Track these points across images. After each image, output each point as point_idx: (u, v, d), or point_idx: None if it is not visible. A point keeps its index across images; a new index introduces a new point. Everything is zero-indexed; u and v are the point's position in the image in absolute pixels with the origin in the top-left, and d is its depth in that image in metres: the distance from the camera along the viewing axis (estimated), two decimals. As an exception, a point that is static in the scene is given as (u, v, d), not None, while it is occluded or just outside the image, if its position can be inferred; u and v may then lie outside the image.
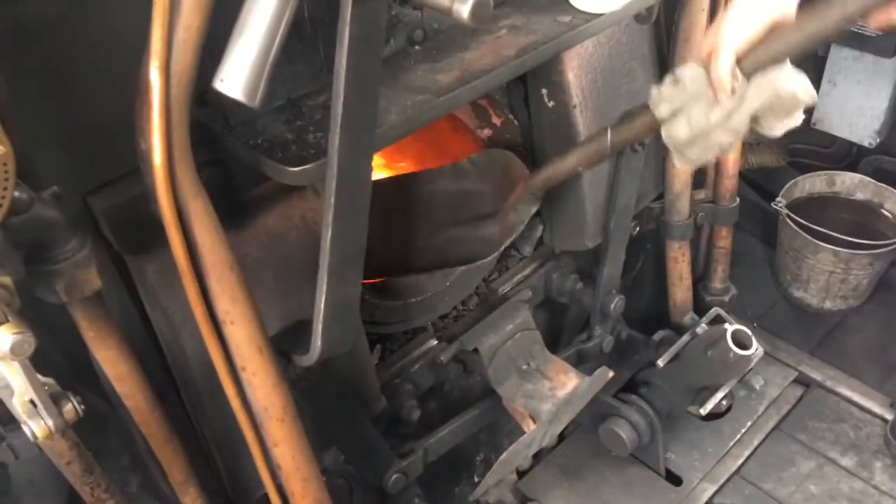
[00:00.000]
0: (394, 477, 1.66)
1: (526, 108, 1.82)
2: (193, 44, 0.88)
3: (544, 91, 1.73)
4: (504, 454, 1.74)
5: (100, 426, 1.32)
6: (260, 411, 1.17)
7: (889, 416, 2.22)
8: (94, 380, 1.20)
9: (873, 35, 2.20)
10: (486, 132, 1.91)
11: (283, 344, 1.29)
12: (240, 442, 1.24)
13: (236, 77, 0.83)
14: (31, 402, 0.89)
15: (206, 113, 1.18)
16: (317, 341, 1.16)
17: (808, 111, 2.52)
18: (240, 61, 0.83)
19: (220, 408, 1.23)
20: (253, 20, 0.82)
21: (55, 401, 0.92)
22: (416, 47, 1.40)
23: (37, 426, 0.91)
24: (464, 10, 0.82)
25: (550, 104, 1.74)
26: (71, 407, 0.94)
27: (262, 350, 1.11)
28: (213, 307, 1.05)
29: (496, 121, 1.86)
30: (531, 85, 1.76)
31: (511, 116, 1.84)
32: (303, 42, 1.24)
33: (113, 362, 1.08)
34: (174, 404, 1.35)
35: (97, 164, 1.13)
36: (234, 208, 1.26)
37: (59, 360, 1.19)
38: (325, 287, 1.11)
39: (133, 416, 1.15)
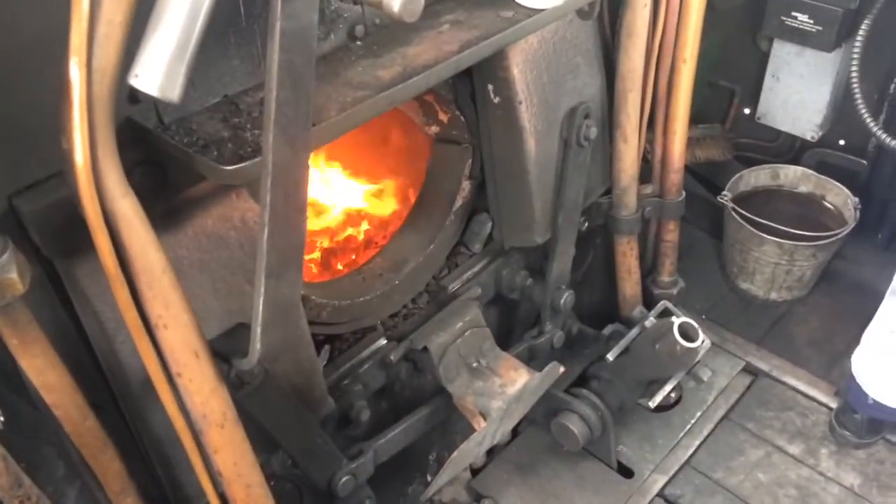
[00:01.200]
0: (343, 479, 1.64)
1: (472, 104, 1.81)
2: (116, 39, 0.85)
3: (490, 87, 1.72)
4: (455, 452, 1.73)
5: (32, 436, 1.27)
6: (198, 418, 1.14)
7: (833, 405, 2.27)
8: (24, 388, 1.16)
9: (814, 30, 2.25)
10: (434, 129, 1.90)
11: (225, 347, 1.25)
12: (179, 449, 1.20)
13: (152, 72, 0.80)
14: (-52, 414, 0.85)
15: (138, 111, 1.14)
16: (255, 344, 1.13)
17: (753, 105, 2.58)
18: (155, 56, 0.80)
19: (157, 415, 1.20)
20: (168, 12, 0.79)
21: (-27, 413, 0.88)
22: (358, 43, 1.37)
23: (-45, 440, 0.87)
24: (394, 5, 0.81)
25: (496, 100, 1.73)
26: (-10, 419, 0.90)
27: (199, 354, 1.08)
28: (145, 312, 1.02)
29: (443, 117, 1.85)
30: (477, 81, 1.75)
31: (458, 113, 1.82)
32: (238, 36, 1.21)
33: (39, 370, 1.03)
34: (111, 412, 1.31)
35: (24, 165, 1.09)
36: (169, 209, 1.22)
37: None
38: (262, 288, 1.08)
39: (64, 425, 1.11)
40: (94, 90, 0.86)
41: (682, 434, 2.25)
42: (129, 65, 0.88)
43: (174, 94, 0.82)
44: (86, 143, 0.87)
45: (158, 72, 0.80)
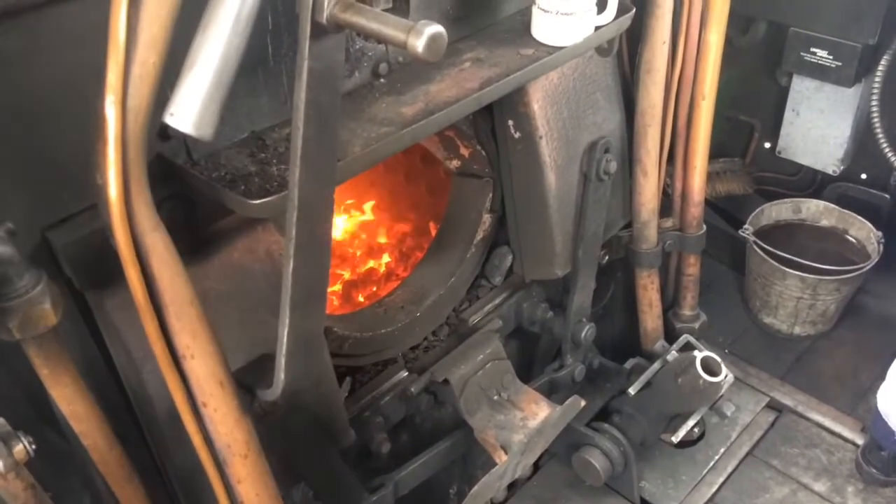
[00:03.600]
0: (364, 512, 1.64)
1: (493, 140, 1.83)
2: (150, 79, 0.88)
3: (511, 122, 1.75)
4: (476, 486, 1.72)
5: (60, 466, 1.29)
6: (223, 447, 1.15)
7: (860, 441, 2.23)
8: (52, 418, 1.18)
9: (833, 66, 2.26)
10: (455, 163, 1.93)
11: (248, 378, 1.27)
12: (203, 480, 1.21)
13: (187, 111, 0.83)
14: (-19, 442, 0.87)
15: (168, 147, 1.17)
16: (280, 375, 1.15)
17: (774, 139, 2.58)
18: (190, 96, 0.83)
19: (182, 445, 1.21)
20: (203, 54, 0.82)
21: (5, 441, 0.90)
22: (381, 80, 1.41)
23: (-13, 467, 0.89)
24: (419, 45, 0.83)
25: (517, 135, 1.76)
26: (22, 447, 0.92)
27: (224, 384, 1.09)
28: (172, 342, 1.04)
29: (464, 152, 1.87)
30: (497, 116, 1.78)
31: (479, 147, 1.85)
32: (266, 75, 1.25)
33: (69, 400, 1.05)
34: (137, 442, 1.33)
35: (57, 199, 1.12)
36: (197, 242, 1.25)
37: (15, 397, 1.16)
38: (286, 320, 1.10)
39: (91, 454, 1.13)
40: (128, 128, 0.89)
41: (705, 470, 2.22)
42: (161, 103, 0.91)
43: (208, 132, 0.85)
44: (119, 179, 0.90)
45: (194, 111, 0.83)
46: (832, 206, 2.61)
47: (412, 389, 1.78)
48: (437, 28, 0.85)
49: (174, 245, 1.02)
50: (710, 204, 2.65)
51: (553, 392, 2.10)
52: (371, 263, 2.26)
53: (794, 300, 2.47)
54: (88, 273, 1.15)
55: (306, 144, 0.98)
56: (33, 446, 0.93)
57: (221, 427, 1.12)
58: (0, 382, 1.14)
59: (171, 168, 1.17)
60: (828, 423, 2.32)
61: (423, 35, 0.84)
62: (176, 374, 1.06)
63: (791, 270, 2.41)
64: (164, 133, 1.14)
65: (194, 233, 1.24)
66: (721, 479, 2.20)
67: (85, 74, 0.93)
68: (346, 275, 2.20)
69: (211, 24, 0.83)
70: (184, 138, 1.17)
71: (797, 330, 2.58)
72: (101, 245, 1.02)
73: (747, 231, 2.49)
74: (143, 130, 0.90)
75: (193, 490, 1.36)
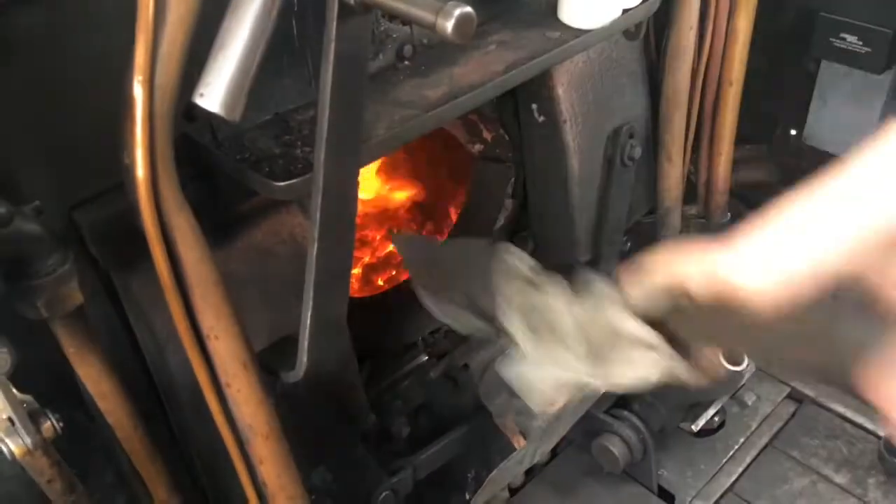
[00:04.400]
0: (383, 495, 1.64)
1: (517, 123, 1.82)
2: (177, 58, 0.88)
3: (534, 106, 1.74)
4: (494, 471, 1.73)
5: (84, 444, 1.31)
6: (245, 428, 1.15)
7: (881, 433, 2.21)
8: (77, 396, 1.19)
9: (863, 52, 2.21)
10: (478, 147, 1.91)
11: (271, 360, 1.27)
12: (225, 460, 1.22)
13: (215, 92, 0.83)
14: (10, 419, 0.88)
15: (194, 128, 1.17)
16: (303, 357, 1.15)
17: (800, 127, 2.54)
18: (219, 76, 0.83)
19: (205, 425, 1.22)
20: (232, 36, 0.82)
21: (33, 418, 0.91)
22: (406, 62, 1.40)
23: (14, 444, 0.90)
24: (448, 26, 0.82)
25: (541, 119, 1.74)
26: (49, 424, 0.93)
27: (247, 366, 1.10)
28: (197, 323, 1.04)
29: (487, 136, 1.86)
30: (521, 100, 1.76)
31: (502, 131, 1.84)
32: (291, 56, 1.24)
33: (95, 379, 1.06)
34: (159, 421, 1.34)
35: (84, 178, 1.13)
36: (220, 223, 1.25)
37: (41, 375, 1.17)
38: (310, 303, 1.10)
39: (116, 433, 1.14)
40: (156, 107, 0.89)
41: (724, 460, 2.21)
42: (187, 84, 0.91)
43: (236, 113, 0.85)
44: (146, 159, 0.90)
45: (222, 91, 0.83)
46: (859, 195, 2.57)
47: (431, 374, 1.78)
48: (467, 9, 0.84)
49: (199, 226, 1.02)
50: (734, 192, 2.61)
51: (572, 379, 2.09)
52: (391, 247, 2.26)
53: (818, 290, 2.44)
54: (114, 252, 1.15)
55: (332, 126, 0.98)
56: (61, 424, 0.94)
57: (245, 407, 1.13)
58: (27, 361, 1.15)
59: (195, 149, 1.17)
60: (849, 414, 2.30)
61: (453, 16, 0.83)
62: (200, 354, 1.07)
63: (815, 260, 2.38)
64: (189, 114, 1.14)
65: (218, 214, 1.24)
66: (740, 469, 2.19)
67: (111, 53, 0.92)
68: (367, 258, 2.20)
69: (241, 5, 0.83)
70: (209, 119, 1.16)
71: (820, 320, 2.55)
72: (126, 225, 1.02)
73: (771, 219, 2.46)
74: (171, 110, 0.90)
75: (216, 469, 1.37)
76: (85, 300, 0.99)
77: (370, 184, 2.30)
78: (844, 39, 2.23)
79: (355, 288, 2.09)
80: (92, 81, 1.04)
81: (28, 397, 0.94)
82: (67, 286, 0.94)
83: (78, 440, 1.29)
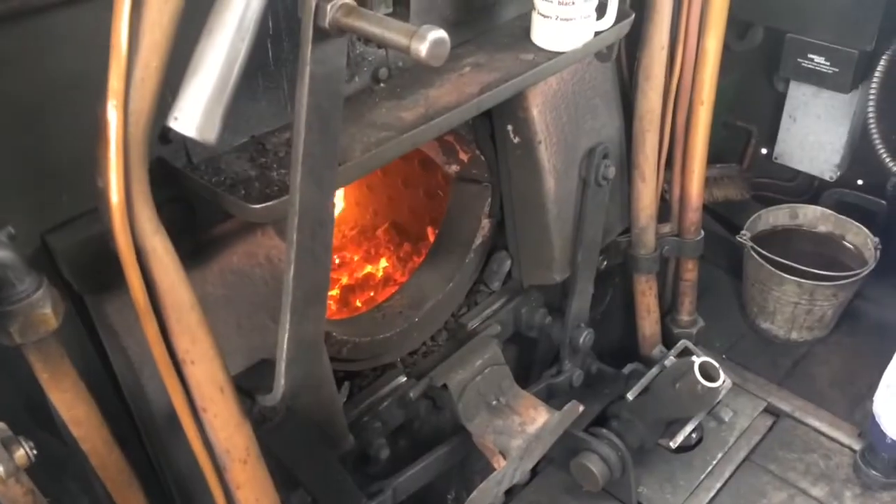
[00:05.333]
0: (363, 517, 1.63)
1: (492, 144, 1.83)
2: (152, 83, 0.88)
3: (510, 127, 1.75)
4: (474, 492, 1.72)
5: (58, 470, 1.28)
6: (222, 453, 1.15)
7: (857, 446, 2.23)
8: (51, 422, 1.17)
9: (830, 72, 2.27)
10: (454, 168, 1.93)
11: (248, 383, 1.27)
12: (202, 485, 1.21)
13: (190, 116, 0.83)
14: (-19, 447, 0.87)
15: (169, 150, 1.17)
16: (280, 380, 1.14)
17: (771, 145, 2.59)
18: (193, 100, 0.83)
19: (181, 450, 1.21)
20: (206, 59, 0.83)
21: (6, 445, 0.90)
22: (381, 85, 1.41)
23: (-13, 472, 0.88)
24: (422, 49, 0.83)
25: (516, 140, 1.76)
26: (23, 452, 0.91)
27: (224, 390, 1.09)
28: (172, 347, 1.03)
29: (463, 157, 1.88)
30: (497, 121, 1.78)
31: (478, 152, 1.85)
32: (267, 79, 1.25)
33: (69, 405, 1.05)
34: (135, 447, 1.32)
35: (56, 203, 1.12)
36: (196, 246, 1.24)
37: (14, 401, 1.16)
38: (287, 325, 1.09)
39: (90, 459, 1.12)
40: (130, 131, 0.89)
41: (703, 475, 2.22)
42: (162, 107, 0.91)
43: (212, 136, 0.85)
44: (121, 182, 0.90)
45: (197, 115, 0.83)
46: (829, 211, 2.61)
47: (411, 395, 1.78)
48: (440, 32, 0.85)
49: (174, 249, 1.02)
50: (708, 209, 2.65)
51: (551, 397, 2.10)
52: (369, 268, 2.26)
53: (792, 305, 2.47)
54: (88, 277, 1.15)
55: (307, 149, 0.98)
56: (34, 451, 0.93)
57: (221, 432, 1.12)
58: (0, 387, 1.14)
59: (171, 172, 1.17)
60: (825, 428, 2.32)
61: (426, 39, 0.84)
62: (176, 378, 1.06)
63: (788, 276, 2.41)
64: (164, 137, 1.14)
65: (194, 237, 1.24)
66: (719, 485, 2.20)
67: (86, 78, 0.93)
68: (345, 279, 2.20)
69: (215, 29, 0.83)
70: (184, 142, 1.17)
71: (794, 335, 2.58)
72: (100, 249, 1.02)
73: (745, 237, 2.50)
74: (145, 134, 0.90)
75: (192, 495, 1.36)
76: (59, 325, 0.98)
77: (348, 205, 2.31)
78: (812, 60, 2.28)
79: (333, 310, 2.08)
80: (66, 105, 1.04)
81: (1, 424, 0.92)
82: (40, 311, 0.93)
83: (52, 467, 1.27)
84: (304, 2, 0.87)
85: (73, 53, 1.02)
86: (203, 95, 0.83)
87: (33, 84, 1.02)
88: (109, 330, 1.20)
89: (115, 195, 0.90)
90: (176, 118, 0.84)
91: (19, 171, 1.06)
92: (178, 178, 1.18)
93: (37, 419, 1.20)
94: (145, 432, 1.32)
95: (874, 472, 2.13)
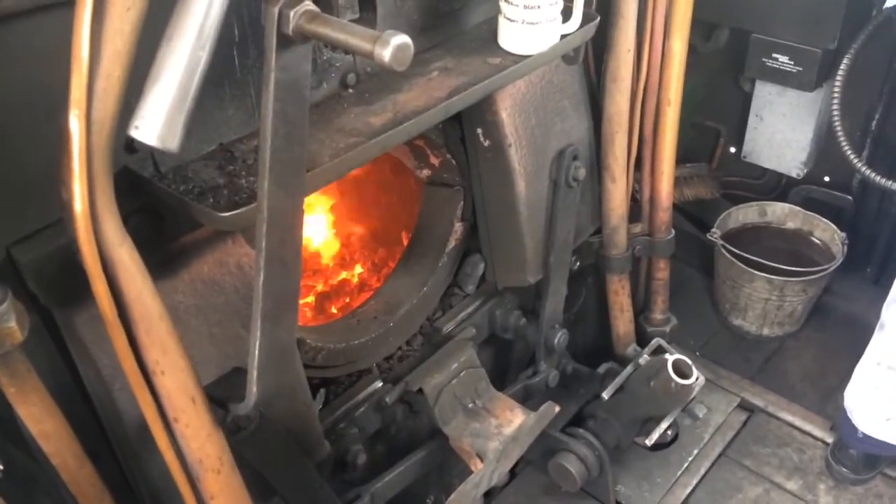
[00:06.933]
0: (341, 524, 1.63)
1: (463, 148, 1.84)
2: (114, 92, 0.87)
3: (479, 131, 1.76)
4: (453, 495, 1.72)
5: (28, 486, 1.27)
6: (195, 463, 1.14)
7: (829, 439, 2.27)
8: (20, 437, 1.16)
9: (795, 71, 2.30)
10: (426, 172, 1.93)
11: (221, 392, 1.26)
12: (176, 496, 1.20)
13: (150, 124, 0.83)
14: (-53, 464, 0.85)
15: (135, 160, 1.16)
16: (252, 388, 1.14)
17: (739, 144, 2.63)
18: (154, 109, 0.83)
19: (154, 462, 1.20)
20: (166, 67, 0.82)
21: (-28, 462, 0.89)
22: (350, 90, 1.41)
23: (-48, 490, 0.87)
24: (385, 54, 0.84)
25: (486, 143, 1.77)
26: (-11, 468, 0.90)
27: (195, 399, 1.08)
28: (142, 358, 1.03)
29: (434, 161, 1.88)
30: (467, 125, 1.79)
31: (449, 156, 1.86)
32: (234, 86, 1.24)
33: (37, 419, 1.04)
34: (107, 460, 1.31)
35: (21, 216, 1.10)
36: (165, 256, 1.24)
37: (-19, 418, 1.14)
38: (258, 333, 1.09)
39: (61, 474, 1.11)
40: (93, 141, 0.89)
41: (679, 472, 2.24)
42: (127, 116, 0.91)
43: (174, 144, 0.85)
44: (85, 193, 0.89)
45: (158, 123, 0.83)
46: (797, 208, 2.65)
47: (387, 400, 1.78)
48: (403, 37, 0.85)
49: (142, 259, 1.01)
50: (678, 208, 2.68)
51: (527, 398, 2.11)
52: (344, 275, 2.25)
53: (763, 302, 2.51)
54: (55, 289, 1.13)
55: (274, 156, 0.98)
56: (1, 467, 0.92)
57: (193, 442, 1.11)
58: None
59: (138, 181, 1.16)
60: (798, 422, 2.36)
61: (390, 44, 0.84)
62: (146, 390, 1.05)
63: (758, 273, 2.45)
64: (130, 146, 1.13)
65: (163, 246, 1.23)
66: (695, 481, 2.22)
67: (49, 88, 0.92)
68: (319, 286, 2.19)
69: (174, 37, 0.83)
70: (151, 151, 1.16)
71: (766, 331, 2.61)
72: (67, 261, 1.01)
73: (715, 235, 2.53)
74: (109, 144, 0.90)
75: (166, 507, 1.34)
76: (24, 338, 0.96)
77: (322, 211, 2.30)
78: (777, 59, 2.32)
79: (309, 317, 2.07)
80: (30, 116, 1.02)
81: (-34, 441, 0.91)
82: (5, 325, 0.92)
83: (22, 483, 1.26)
84: (267, 9, 0.87)
85: (36, 64, 1.01)
86: (164, 104, 0.82)
87: (-3, 95, 1.01)
88: (79, 342, 1.18)
89: (78, 205, 0.89)
90: (137, 127, 0.84)
91: (-18, 183, 1.05)
92: (145, 188, 1.17)
93: (7, 433, 1.18)
94: (117, 445, 1.30)
95: (844, 470, 2.16)
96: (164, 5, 0.87)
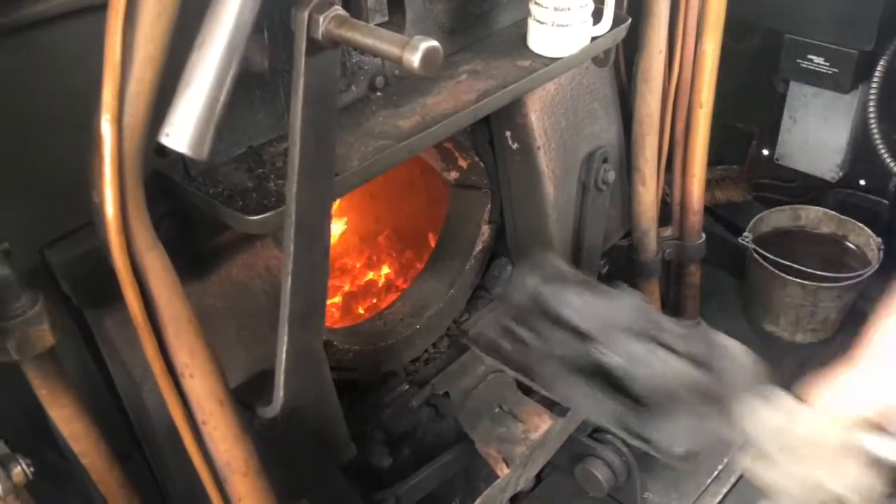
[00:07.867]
0: (366, 527, 1.63)
1: (491, 151, 1.83)
2: (146, 96, 0.88)
3: (508, 133, 1.75)
4: (479, 499, 1.71)
5: (59, 486, 1.28)
6: (222, 466, 1.14)
7: (863, 448, 2.22)
8: (51, 438, 1.17)
9: (830, 72, 2.26)
10: (454, 174, 1.92)
11: (248, 395, 1.26)
12: (203, 499, 1.21)
13: (181, 131, 0.83)
14: (-21, 465, 0.87)
15: (166, 164, 1.17)
16: (279, 391, 1.14)
17: (772, 146, 2.58)
18: (185, 116, 0.83)
19: (182, 463, 1.20)
20: (198, 73, 0.82)
21: (3, 464, 0.90)
22: (378, 94, 1.41)
23: (-16, 491, 0.88)
24: (414, 60, 0.83)
25: (515, 146, 1.76)
26: (20, 470, 0.91)
27: (223, 403, 1.09)
28: (171, 361, 1.03)
29: (462, 163, 1.87)
30: (495, 127, 1.78)
31: (477, 159, 1.85)
32: (264, 90, 1.24)
33: (68, 420, 1.05)
34: (137, 461, 1.32)
35: (54, 217, 1.12)
36: (195, 259, 1.24)
37: (13, 417, 1.15)
38: (285, 336, 1.09)
39: (91, 474, 1.12)
40: (125, 146, 0.89)
41: (709, 480, 2.21)
42: (158, 121, 0.91)
43: (203, 151, 0.85)
44: (116, 197, 0.90)
45: (188, 131, 0.83)
46: (831, 212, 2.60)
47: (413, 403, 1.78)
48: (432, 43, 0.85)
49: (172, 263, 1.01)
50: (710, 211, 2.64)
51: (554, 404, 2.09)
52: (371, 275, 2.26)
53: (795, 308, 2.46)
54: (87, 291, 1.14)
55: (303, 160, 0.98)
56: (31, 469, 0.93)
57: (221, 445, 1.12)
58: (2, 402, 1.14)
59: (168, 185, 1.17)
60: (831, 430, 2.31)
61: (419, 50, 0.84)
62: (175, 392, 1.06)
63: (791, 278, 2.40)
64: (160, 150, 1.13)
65: (192, 249, 1.24)
66: (725, 490, 2.19)
67: (81, 92, 0.93)
68: (346, 286, 2.20)
69: (206, 43, 0.83)
70: (182, 155, 1.16)
71: (799, 337, 2.57)
72: (99, 262, 1.02)
73: (747, 238, 2.49)
74: (140, 148, 0.90)
75: (194, 508, 1.35)
76: (57, 341, 0.97)
77: (349, 212, 2.31)
78: (811, 60, 2.28)
79: (336, 317, 2.08)
80: (62, 119, 1.03)
81: (-1, 442, 0.92)
82: (38, 327, 0.93)
83: (53, 482, 1.27)
84: (297, 14, 0.87)
85: (68, 68, 1.02)
86: (194, 111, 0.82)
87: (29, 99, 1.02)
88: (109, 344, 1.20)
89: (110, 209, 0.90)
90: (167, 134, 0.84)
91: (17, 185, 1.06)
92: (175, 191, 1.17)
93: (39, 433, 1.19)
94: (147, 447, 1.31)
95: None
96: (194, 13, 0.88)
